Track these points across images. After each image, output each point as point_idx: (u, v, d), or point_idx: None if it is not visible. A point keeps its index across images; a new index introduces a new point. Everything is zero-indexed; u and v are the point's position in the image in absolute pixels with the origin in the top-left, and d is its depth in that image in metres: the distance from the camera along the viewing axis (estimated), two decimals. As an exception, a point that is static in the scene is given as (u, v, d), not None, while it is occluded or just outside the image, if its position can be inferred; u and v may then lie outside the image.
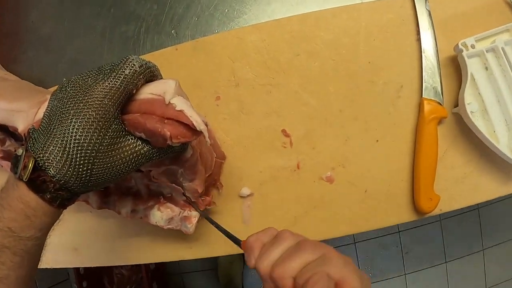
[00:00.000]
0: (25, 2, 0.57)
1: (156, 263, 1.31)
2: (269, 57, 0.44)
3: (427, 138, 0.43)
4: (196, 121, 0.27)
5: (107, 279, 1.37)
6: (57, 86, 0.30)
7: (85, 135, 0.27)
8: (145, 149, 0.29)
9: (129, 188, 0.41)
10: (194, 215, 0.38)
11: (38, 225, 0.29)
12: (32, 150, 0.27)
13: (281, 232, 0.29)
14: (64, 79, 0.30)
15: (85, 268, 1.23)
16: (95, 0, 0.55)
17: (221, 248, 0.45)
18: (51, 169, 0.27)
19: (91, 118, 0.27)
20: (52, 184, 0.28)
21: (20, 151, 0.28)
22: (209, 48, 0.45)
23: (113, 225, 0.49)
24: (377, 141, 0.44)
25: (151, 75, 0.30)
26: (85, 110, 0.27)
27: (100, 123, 0.27)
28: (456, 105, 0.45)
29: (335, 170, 0.43)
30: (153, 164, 0.34)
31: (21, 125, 0.43)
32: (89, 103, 0.27)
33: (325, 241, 0.41)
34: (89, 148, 0.27)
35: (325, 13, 0.45)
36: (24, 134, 0.35)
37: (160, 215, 0.39)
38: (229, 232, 0.34)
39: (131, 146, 0.29)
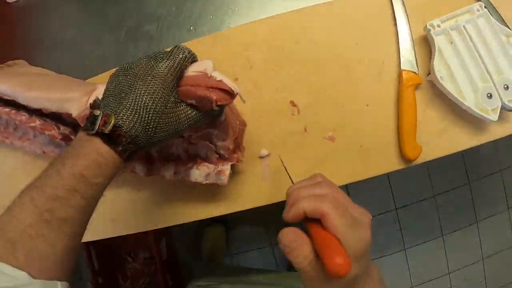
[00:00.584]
0: (48, 10, 0.66)
1: (168, 254, 1.36)
2: (275, 45, 0.54)
3: (407, 101, 0.53)
4: (233, 86, 0.37)
5: (120, 275, 1.41)
6: (112, 70, 0.37)
7: (152, 101, 0.34)
8: (193, 113, 0.37)
9: (171, 154, 0.50)
10: (226, 168, 0.47)
11: (106, 173, 0.34)
12: (107, 112, 0.34)
13: (314, 175, 0.40)
14: (125, 63, 0.38)
15: (100, 264, 1.28)
16: (118, 4, 0.64)
17: (248, 202, 0.54)
18: (125, 126, 0.33)
19: (157, 89, 0.34)
20: (124, 139, 0.34)
21: (97, 112, 0.34)
22: (225, 40, 0.55)
23: (146, 195, 0.57)
24: (367, 105, 0.54)
25: (193, 58, 0.38)
26: (152, 82, 0.34)
27: (164, 93, 0.35)
28: (429, 73, 0.55)
29: (335, 131, 0.53)
30: (193, 129, 0.44)
31: (75, 111, 0.51)
32: (155, 77, 0.34)
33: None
34: (155, 111, 0.34)
35: (319, 7, 0.55)
36: (84, 115, 0.41)
37: (198, 173, 0.48)
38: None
39: (184, 111, 0.37)
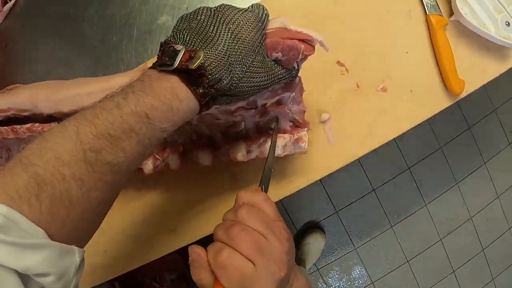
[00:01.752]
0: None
1: None
2: (308, 11, 0.56)
3: (441, 42, 0.57)
4: (315, 35, 0.38)
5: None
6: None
7: (243, 46, 0.32)
8: (278, 69, 0.36)
9: (237, 134, 0.48)
10: (303, 134, 0.47)
11: (176, 119, 0.29)
12: (193, 47, 0.30)
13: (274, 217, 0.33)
14: (202, 6, 0.33)
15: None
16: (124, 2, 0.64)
17: (321, 170, 0.54)
18: (211, 66, 0.30)
19: (249, 36, 0.32)
20: (207, 80, 0.30)
21: (179, 47, 0.30)
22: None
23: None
24: (407, 52, 0.57)
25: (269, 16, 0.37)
26: (245, 28, 0.32)
27: (255, 42, 0.33)
28: (451, 14, 0.59)
29: (385, 82, 0.55)
30: (270, 94, 0.44)
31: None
32: (247, 22, 0.32)
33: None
34: (245, 58, 0.32)
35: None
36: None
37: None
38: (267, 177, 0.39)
39: (269, 66, 0.35)
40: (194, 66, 0.29)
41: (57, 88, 0.49)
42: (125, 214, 0.56)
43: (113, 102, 0.28)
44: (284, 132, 0.48)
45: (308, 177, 0.54)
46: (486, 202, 1.47)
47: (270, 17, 0.38)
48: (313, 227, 1.39)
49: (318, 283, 1.42)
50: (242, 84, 0.33)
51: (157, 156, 0.52)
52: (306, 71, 0.54)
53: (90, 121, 0.27)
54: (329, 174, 0.54)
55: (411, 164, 1.43)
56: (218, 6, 0.34)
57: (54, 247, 0.24)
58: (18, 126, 0.47)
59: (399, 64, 0.56)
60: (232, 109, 0.45)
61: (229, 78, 0.31)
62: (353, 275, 1.45)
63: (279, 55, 0.36)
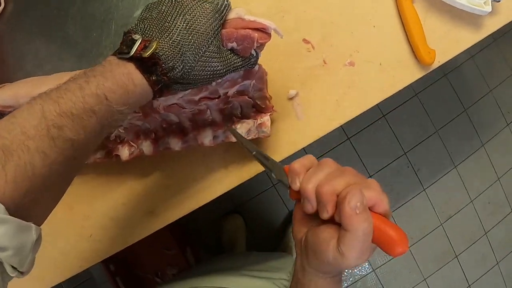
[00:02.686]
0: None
1: (196, 262, 1.34)
2: (273, -9, 0.56)
3: (409, 12, 0.56)
4: (268, 23, 0.38)
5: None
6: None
7: (197, 36, 0.33)
8: (233, 58, 0.37)
9: (205, 120, 0.50)
10: (266, 119, 0.47)
11: (132, 102, 0.32)
12: (148, 37, 0.32)
13: (324, 160, 0.33)
14: None
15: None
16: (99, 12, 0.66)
17: (291, 146, 0.54)
18: (164, 55, 0.32)
19: (203, 26, 0.34)
20: (160, 68, 0.32)
21: (137, 36, 0.32)
22: None
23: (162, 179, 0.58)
24: (374, 26, 0.56)
25: (230, 7, 0.38)
26: (200, 19, 0.34)
27: (209, 32, 0.34)
28: (420, -15, 0.58)
29: (352, 56, 0.55)
30: (229, 84, 0.44)
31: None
32: (203, 14, 0.34)
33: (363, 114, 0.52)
34: (198, 48, 0.33)
35: None
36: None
37: (238, 131, 0.49)
38: (274, 161, 0.38)
39: (224, 56, 0.36)
40: (147, 54, 0.31)
41: (37, 84, 0.52)
42: (107, 199, 0.58)
43: (76, 84, 0.30)
44: (248, 117, 0.49)
45: (279, 155, 0.54)
46: (487, 185, 1.44)
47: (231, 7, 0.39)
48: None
49: (319, 273, 1.42)
50: (195, 73, 0.34)
51: (131, 143, 0.54)
52: (273, 50, 0.55)
53: (55, 100, 0.29)
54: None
55: (407, 149, 1.41)
56: None
57: (13, 222, 0.25)
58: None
59: (367, 38, 0.56)
60: (196, 99, 0.47)
61: (181, 66, 0.33)
62: (354, 264, 1.43)
63: (234, 44, 0.38)
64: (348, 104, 0.54)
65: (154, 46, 0.32)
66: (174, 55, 0.33)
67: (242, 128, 0.49)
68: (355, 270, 1.43)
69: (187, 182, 0.56)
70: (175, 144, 0.52)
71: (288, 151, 0.54)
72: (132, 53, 0.32)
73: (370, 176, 1.41)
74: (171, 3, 0.35)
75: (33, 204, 0.28)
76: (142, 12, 0.36)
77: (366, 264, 1.43)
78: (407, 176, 1.41)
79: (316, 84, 0.55)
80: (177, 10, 0.34)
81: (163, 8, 0.34)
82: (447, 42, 0.58)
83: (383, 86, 0.55)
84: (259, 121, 0.49)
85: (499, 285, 1.45)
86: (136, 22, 0.35)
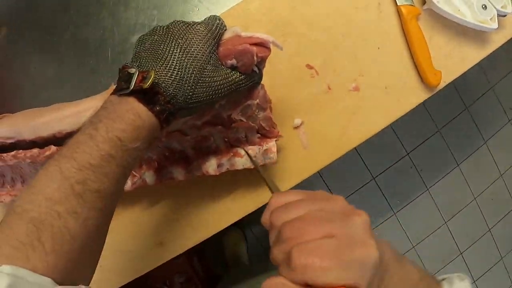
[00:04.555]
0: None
1: (203, 271, 1.35)
2: (274, 15, 0.55)
3: (414, 33, 0.55)
4: (266, 36, 0.37)
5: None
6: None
7: (192, 59, 0.33)
8: (234, 75, 0.36)
9: (208, 148, 0.49)
10: (272, 145, 0.47)
11: (144, 136, 0.31)
12: (144, 68, 0.32)
13: (314, 192, 0.28)
14: (157, 25, 0.35)
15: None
16: (97, 25, 0.64)
17: (296, 176, 0.53)
18: (163, 83, 0.31)
19: (198, 48, 0.33)
20: (162, 97, 0.32)
21: (132, 70, 0.32)
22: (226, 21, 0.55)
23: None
24: (378, 48, 0.55)
25: (225, 27, 0.37)
26: (193, 41, 0.33)
27: (204, 53, 0.34)
28: (424, 3, 0.57)
29: (357, 80, 0.54)
30: (232, 105, 0.43)
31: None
32: (196, 36, 0.33)
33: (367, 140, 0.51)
34: (195, 70, 0.33)
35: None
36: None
37: (243, 159, 0.48)
38: (271, 182, 0.36)
39: (224, 74, 0.35)
40: (146, 85, 0.31)
41: (34, 115, 0.52)
42: (116, 233, 0.57)
43: (85, 134, 0.30)
44: (253, 143, 0.48)
45: (284, 184, 0.53)
46: (489, 182, 1.44)
47: (226, 27, 0.38)
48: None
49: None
50: (197, 95, 0.34)
51: (134, 173, 0.53)
52: (276, 77, 0.54)
53: (69, 157, 0.28)
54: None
55: (409, 149, 1.40)
56: (170, 23, 0.35)
57: None
58: (4, 154, 0.50)
59: (371, 61, 0.54)
60: (199, 124, 0.45)
61: (182, 91, 0.32)
62: (360, 264, 1.44)
63: (234, 61, 0.37)
64: (354, 131, 0.53)
65: (152, 75, 0.31)
66: (173, 81, 0.32)
67: (247, 155, 0.47)
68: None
69: (194, 211, 0.56)
70: (179, 173, 0.51)
71: (296, 180, 0.54)
72: (131, 87, 0.31)
73: (374, 178, 1.40)
74: (163, 31, 0.34)
75: (78, 266, 0.28)
76: (135, 45, 0.35)
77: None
78: (411, 177, 1.41)
79: (321, 111, 0.53)
80: (170, 36, 0.34)
81: (156, 37, 0.34)
82: (453, 61, 0.57)
83: (389, 110, 0.54)
84: (264, 147, 0.47)
85: (504, 280, 1.47)
86: (132, 56, 0.35)
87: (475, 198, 1.44)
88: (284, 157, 0.53)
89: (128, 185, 0.52)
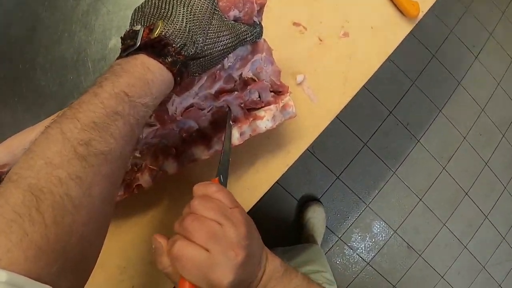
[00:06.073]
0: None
1: None
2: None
3: (383, -28, 0.57)
4: None
5: None
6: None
7: (199, 10, 0.32)
8: (239, 26, 0.36)
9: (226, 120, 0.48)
10: (288, 99, 0.46)
11: (154, 92, 0.29)
12: (150, 22, 0.31)
13: (230, 198, 0.34)
14: None
15: None
16: (70, 40, 0.62)
17: (315, 130, 0.53)
18: (172, 34, 0.30)
19: (200, 3, 0.33)
20: (172, 48, 0.30)
21: (137, 27, 0.31)
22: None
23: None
24: (356, -7, 0.57)
25: None
26: None
27: (208, 8, 0.33)
28: None
29: (344, 27, 0.55)
30: (241, 64, 0.43)
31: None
32: None
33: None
34: (202, 23, 0.32)
35: None
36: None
37: (264, 120, 0.47)
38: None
39: (230, 26, 0.35)
40: (155, 34, 0.29)
41: (28, 132, 0.49)
42: (139, 244, 0.54)
43: (89, 93, 0.27)
44: (269, 104, 0.47)
45: (304, 140, 0.53)
46: (474, 118, 1.51)
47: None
48: (307, 201, 1.38)
49: (344, 250, 1.43)
50: (208, 46, 0.33)
51: (151, 166, 0.50)
52: (270, 34, 0.54)
53: (72, 117, 0.25)
54: (318, 144, 0.53)
55: (391, 108, 1.44)
56: None
57: None
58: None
59: (353, 6, 0.56)
60: (213, 92, 0.45)
61: (192, 43, 0.31)
62: (374, 231, 1.46)
63: (236, 12, 0.37)
64: (354, 74, 0.54)
65: (160, 26, 0.30)
66: (181, 33, 0.31)
67: (267, 116, 0.47)
68: (378, 238, 1.45)
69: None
70: (201, 153, 0.49)
71: (313, 135, 0.53)
72: (139, 41, 0.29)
73: (365, 144, 1.43)
74: None
75: (82, 241, 0.24)
76: (133, 15, 0.34)
77: (386, 228, 1.46)
78: (399, 133, 1.45)
79: (318, 63, 0.54)
80: None
81: (154, 0, 0.33)
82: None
83: (380, 48, 0.56)
84: (281, 104, 0.47)
85: (512, 207, 1.52)
86: (132, 15, 0.33)
87: (464, 138, 1.49)
88: (297, 116, 0.53)
89: (148, 180, 0.50)
